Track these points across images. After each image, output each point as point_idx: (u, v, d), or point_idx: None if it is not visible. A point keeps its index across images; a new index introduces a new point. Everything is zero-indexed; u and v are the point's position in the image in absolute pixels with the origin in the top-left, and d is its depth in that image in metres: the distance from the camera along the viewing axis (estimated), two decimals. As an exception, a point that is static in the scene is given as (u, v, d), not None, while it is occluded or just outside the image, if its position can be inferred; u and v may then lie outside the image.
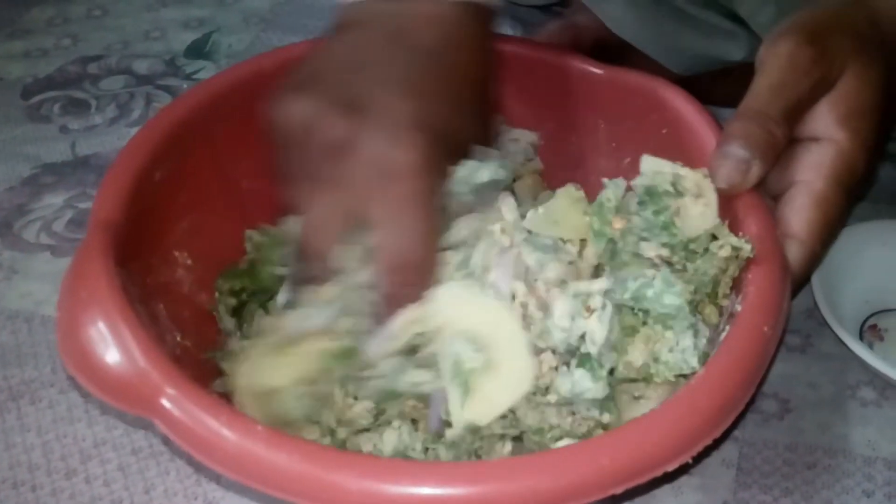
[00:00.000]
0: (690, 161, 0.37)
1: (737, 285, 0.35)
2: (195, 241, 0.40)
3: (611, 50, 0.50)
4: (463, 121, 0.37)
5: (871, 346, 0.43)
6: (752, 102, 0.36)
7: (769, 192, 0.38)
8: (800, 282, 0.37)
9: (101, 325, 0.31)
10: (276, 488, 0.29)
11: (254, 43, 0.63)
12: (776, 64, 0.36)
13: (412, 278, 0.35)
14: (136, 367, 0.30)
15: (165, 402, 0.30)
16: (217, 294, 0.41)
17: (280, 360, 0.35)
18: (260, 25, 0.65)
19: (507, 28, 0.60)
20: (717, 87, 0.53)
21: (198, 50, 0.63)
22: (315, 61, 0.37)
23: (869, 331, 0.43)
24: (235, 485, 0.38)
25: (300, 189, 0.36)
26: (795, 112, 0.36)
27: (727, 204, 0.36)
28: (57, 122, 0.57)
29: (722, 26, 0.49)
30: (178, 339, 0.37)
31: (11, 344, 0.44)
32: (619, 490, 0.29)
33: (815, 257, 0.37)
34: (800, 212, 0.36)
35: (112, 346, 0.30)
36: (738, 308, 0.33)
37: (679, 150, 0.39)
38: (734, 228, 0.35)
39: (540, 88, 0.45)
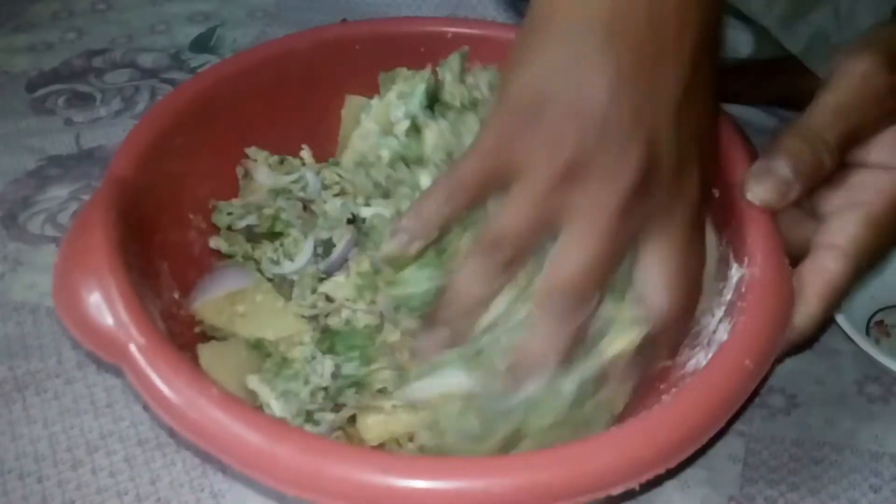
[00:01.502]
0: (717, 175, 0.36)
1: (730, 311, 0.34)
2: (210, 207, 0.41)
3: None
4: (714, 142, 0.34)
5: (877, 341, 0.43)
6: (811, 121, 0.34)
7: (808, 207, 0.36)
8: (837, 297, 0.34)
9: (90, 274, 0.32)
10: (221, 450, 0.29)
11: (259, 37, 0.63)
12: (848, 84, 0.34)
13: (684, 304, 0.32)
14: (116, 317, 0.32)
15: (134, 353, 0.31)
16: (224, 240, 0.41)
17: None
18: (265, 20, 0.65)
19: (502, 16, 0.60)
20: (725, 82, 0.53)
21: (203, 44, 0.63)
22: (536, 77, 0.31)
23: (875, 327, 0.43)
24: (241, 476, 0.38)
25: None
26: (854, 140, 0.34)
27: (735, 224, 0.35)
28: (62, 114, 0.57)
29: (729, 23, 0.48)
30: (177, 297, 0.38)
31: (17, 335, 0.44)
32: None
33: (858, 274, 0.34)
34: (850, 226, 0.34)
35: (97, 294, 0.32)
36: (724, 337, 0.32)
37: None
38: (738, 252, 0.35)
39: None
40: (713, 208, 0.38)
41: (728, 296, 0.35)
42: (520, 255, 0.31)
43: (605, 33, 0.31)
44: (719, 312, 0.35)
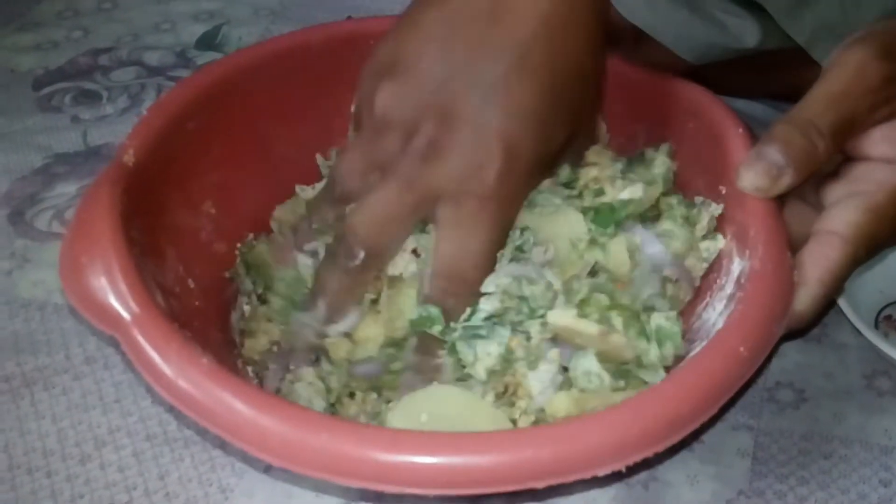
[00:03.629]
0: (722, 172, 0.37)
1: (730, 303, 0.34)
2: (222, 193, 0.42)
3: (620, 36, 0.50)
4: (552, 128, 0.36)
5: (886, 336, 0.43)
6: (803, 109, 0.34)
7: (814, 202, 0.36)
8: (836, 283, 0.34)
9: (91, 244, 0.33)
10: (208, 419, 0.30)
11: (264, 35, 0.63)
12: (841, 73, 0.34)
13: (459, 289, 0.34)
14: (114, 286, 0.32)
15: (128, 322, 0.32)
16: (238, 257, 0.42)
17: None
18: (269, 18, 0.65)
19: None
20: (730, 75, 0.53)
21: (208, 42, 0.63)
22: (400, 40, 0.35)
23: (884, 321, 0.43)
24: (249, 472, 0.38)
25: (369, 174, 0.35)
26: (848, 128, 0.34)
27: (740, 219, 0.35)
28: (68, 112, 0.57)
29: (734, 13, 0.48)
30: (181, 275, 0.38)
31: (24, 331, 0.44)
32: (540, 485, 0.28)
33: (856, 261, 0.34)
34: (850, 214, 0.34)
35: (97, 263, 0.33)
36: (720, 324, 0.33)
37: (713, 161, 0.38)
38: (741, 246, 0.35)
39: None
40: (726, 206, 0.38)
41: (729, 289, 0.35)
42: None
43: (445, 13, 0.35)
44: (720, 305, 0.35)
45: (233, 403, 0.29)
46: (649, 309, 0.36)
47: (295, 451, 0.29)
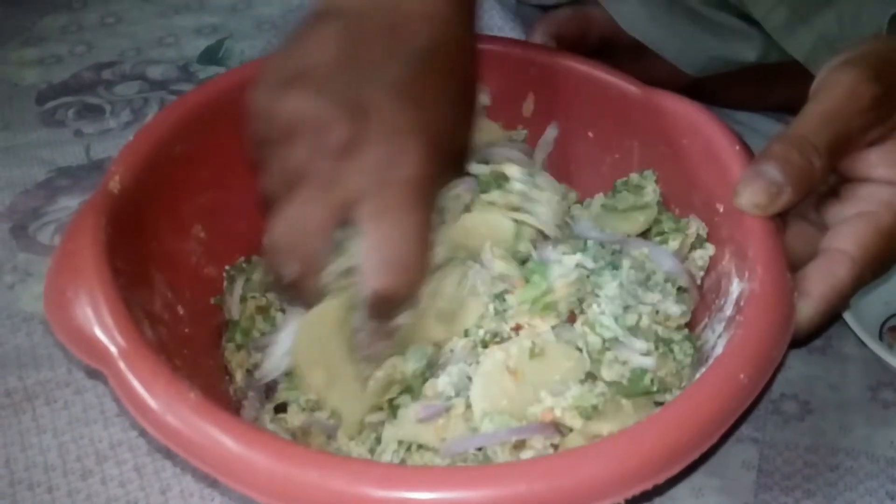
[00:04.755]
0: (719, 190, 0.36)
1: (729, 326, 0.34)
2: (212, 217, 0.41)
3: (620, 49, 0.50)
4: (458, 127, 0.36)
5: (890, 347, 0.43)
6: (798, 128, 0.34)
7: (815, 220, 0.36)
8: (840, 302, 0.34)
9: (76, 278, 0.33)
10: (196, 456, 0.29)
11: (266, 49, 0.63)
12: (833, 93, 0.34)
13: (402, 277, 0.33)
14: (99, 320, 0.32)
15: (114, 355, 0.31)
16: (225, 279, 0.42)
17: None
18: (272, 32, 0.65)
19: (509, 25, 0.60)
20: (731, 88, 0.53)
21: (211, 56, 0.63)
22: (303, 52, 0.35)
23: (889, 332, 0.43)
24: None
25: (279, 184, 0.34)
26: (842, 147, 0.34)
27: (739, 239, 0.35)
28: (71, 126, 0.57)
29: (735, 27, 0.49)
30: (170, 301, 0.38)
31: (27, 345, 0.44)
32: None
33: (862, 281, 0.34)
34: (859, 233, 0.34)
35: (81, 297, 0.32)
36: (719, 348, 0.32)
37: (709, 179, 0.38)
38: (740, 267, 0.34)
39: (576, 106, 0.44)
40: (719, 224, 0.38)
41: (728, 311, 0.35)
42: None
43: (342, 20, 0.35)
44: (719, 328, 0.35)
45: (220, 439, 0.29)
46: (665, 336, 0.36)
47: (283, 487, 0.28)
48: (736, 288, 0.35)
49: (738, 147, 0.38)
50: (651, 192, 0.42)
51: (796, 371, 0.42)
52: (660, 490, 0.36)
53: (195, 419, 0.29)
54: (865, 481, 0.38)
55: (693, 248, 0.39)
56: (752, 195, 0.34)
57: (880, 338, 0.43)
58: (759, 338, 0.31)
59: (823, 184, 0.35)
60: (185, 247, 0.40)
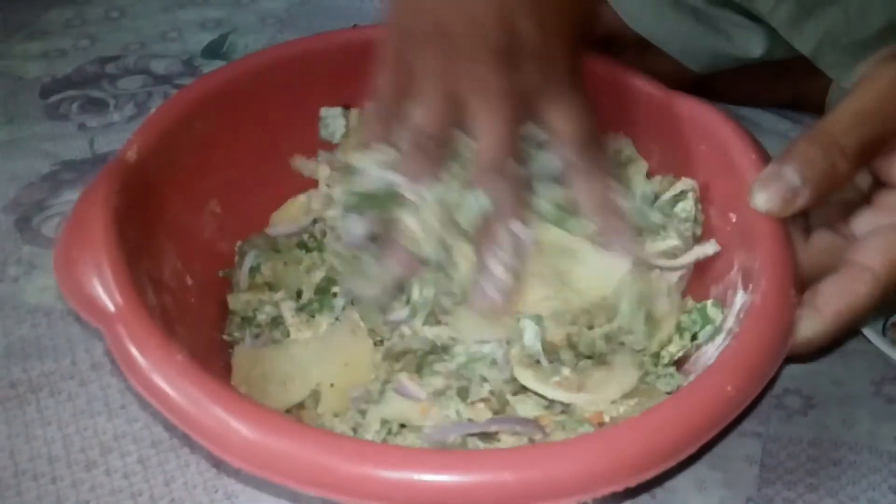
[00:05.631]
0: (733, 200, 0.36)
1: (727, 336, 0.33)
2: (229, 193, 0.42)
3: (625, 45, 0.50)
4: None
5: (894, 342, 0.42)
6: (827, 125, 0.32)
7: (842, 230, 0.35)
8: (855, 319, 0.33)
9: (84, 241, 0.34)
10: (178, 417, 0.30)
11: (270, 43, 0.63)
12: (871, 89, 0.32)
13: (496, 172, 0.35)
14: (101, 279, 0.33)
15: (111, 314, 0.32)
16: (237, 254, 0.42)
17: None
18: (276, 26, 0.65)
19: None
20: (736, 85, 0.53)
21: (215, 50, 0.63)
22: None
23: (893, 328, 0.43)
24: (254, 479, 0.37)
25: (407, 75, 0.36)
26: (874, 149, 0.32)
27: (748, 248, 0.34)
28: (75, 120, 0.57)
29: (740, 23, 0.48)
30: (179, 271, 0.39)
31: (31, 337, 0.44)
32: None
33: (882, 300, 0.32)
34: (886, 247, 0.32)
35: (86, 256, 0.33)
36: (712, 361, 0.32)
37: (725, 187, 0.38)
38: (746, 278, 0.34)
39: (599, 107, 0.44)
40: (730, 234, 0.37)
41: (730, 322, 0.34)
42: (441, 144, 0.36)
43: None
44: (719, 338, 0.35)
45: (201, 402, 0.29)
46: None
47: (255, 453, 0.29)
48: (739, 299, 0.34)
49: (754, 156, 0.37)
50: (690, 209, 0.40)
51: (800, 366, 0.42)
52: (660, 480, 0.36)
53: (180, 380, 0.30)
54: (868, 476, 0.38)
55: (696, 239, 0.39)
56: (768, 200, 0.33)
57: (884, 333, 0.43)
58: (752, 351, 0.31)
59: (853, 189, 0.34)
60: (199, 220, 0.41)
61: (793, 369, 0.42)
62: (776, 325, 0.31)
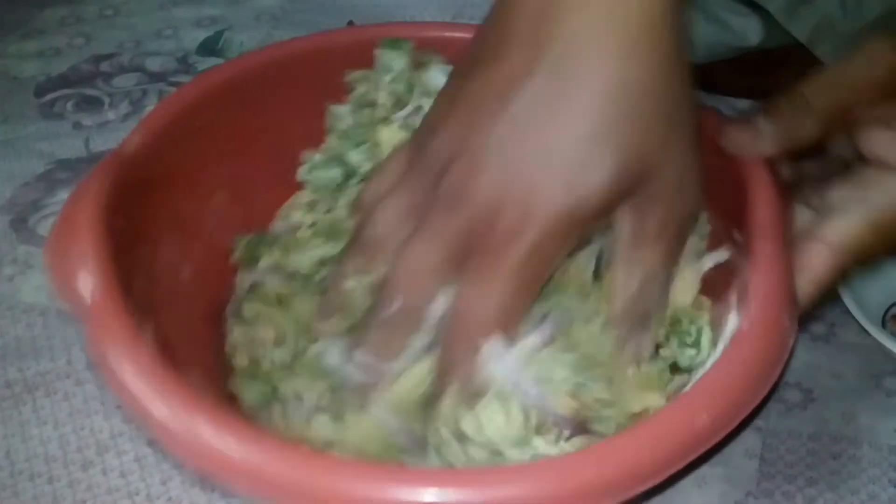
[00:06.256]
0: (739, 218, 0.35)
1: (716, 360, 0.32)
2: (234, 186, 0.42)
3: None
4: (593, 172, 0.31)
5: (893, 335, 0.42)
6: (803, 85, 0.33)
7: (818, 206, 0.34)
8: (822, 289, 0.33)
9: (71, 231, 0.34)
10: (136, 411, 0.29)
11: (265, 40, 0.63)
12: (852, 60, 0.33)
13: (458, 344, 0.31)
14: (85, 269, 0.32)
15: (88, 307, 0.32)
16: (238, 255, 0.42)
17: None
18: (271, 23, 0.65)
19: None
20: (736, 76, 0.53)
21: (210, 48, 0.63)
22: (473, 86, 0.31)
23: (892, 320, 0.43)
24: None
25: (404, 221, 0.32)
26: (843, 113, 0.33)
27: (744, 267, 0.33)
28: (70, 118, 0.57)
29: (737, 12, 0.48)
30: (175, 264, 0.38)
31: (27, 337, 0.44)
32: None
33: (843, 271, 0.33)
34: (848, 222, 0.33)
35: (73, 248, 0.33)
36: (693, 380, 0.31)
37: (732, 205, 0.36)
38: (742, 301, 0.32)
39: None
40: (732, 254, 0.36)
41: (721, 346, 0.33)
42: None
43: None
44: (710, 363, 0.33)
45: (160, 400, 0.29)
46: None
47: (209, 456, 0.28)
48: (732, 322, 0.33)
49: (766, 174, 0.35)
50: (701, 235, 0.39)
51: (799, 359, 0.42)
52: (667, 485, 0.36)
53: (142, 377, 0.30)
54: (868, 469, 0.37)
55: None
56: (734, 137, 0.35)
57: (883, 326, 0.43)
58: (732, 378, 0.29)
59: (839, 165, 0.35)
60: (202, 212, 0.41)
61: (792, 362, 0.41)
62: (761, 352, 0.30)
